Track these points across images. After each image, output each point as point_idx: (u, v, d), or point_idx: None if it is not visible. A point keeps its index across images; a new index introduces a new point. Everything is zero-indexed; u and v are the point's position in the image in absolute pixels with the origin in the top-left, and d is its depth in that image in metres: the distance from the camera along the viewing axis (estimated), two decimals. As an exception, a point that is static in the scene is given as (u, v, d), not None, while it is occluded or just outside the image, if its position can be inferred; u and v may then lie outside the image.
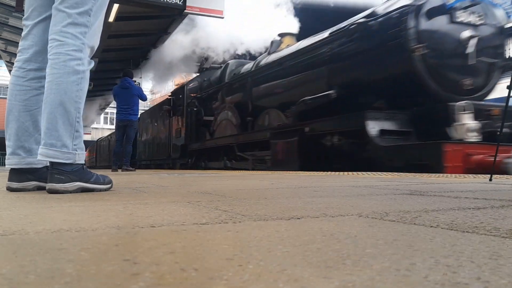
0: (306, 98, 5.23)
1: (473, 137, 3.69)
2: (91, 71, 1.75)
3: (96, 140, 25.68)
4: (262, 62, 7.04)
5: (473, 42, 4.01)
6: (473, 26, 4.15)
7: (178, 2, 7.84)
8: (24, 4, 1.81)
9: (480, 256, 0.50)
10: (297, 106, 5.43)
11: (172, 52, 11.78)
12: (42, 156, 1.57)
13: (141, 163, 13.56)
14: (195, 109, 9.08)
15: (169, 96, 10.60)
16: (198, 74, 10.76)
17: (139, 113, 8.00)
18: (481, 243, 0.59)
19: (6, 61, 13.22)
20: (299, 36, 7.03)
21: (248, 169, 6.36)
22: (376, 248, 0.55)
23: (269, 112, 6.45)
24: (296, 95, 5.61)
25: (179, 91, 10.01)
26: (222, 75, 8.66)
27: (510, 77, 2.17)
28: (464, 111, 3.77)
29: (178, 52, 11.55)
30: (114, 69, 13.72)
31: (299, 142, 4.95)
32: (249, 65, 7.72)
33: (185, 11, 8.07)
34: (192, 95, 9.33)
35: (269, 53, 7.12)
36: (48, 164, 1.61)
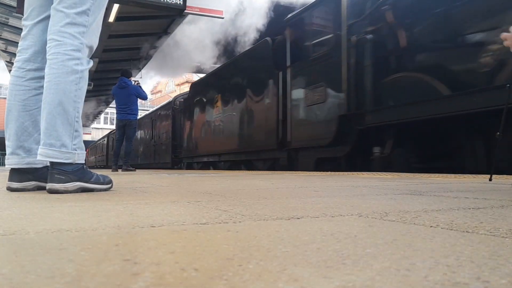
0: None
1: None
2: (91, 71, 1.75)
3: (102, 137, 25.03)
4: None
5: None
6: None
7: (178, 2, 7.84)
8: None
9: (479, 256, 0.50)
10: None
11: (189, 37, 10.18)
12: (41, 156, 1.57)
13: (192, 162, 9.62)
14: (367, 44, 4.32)
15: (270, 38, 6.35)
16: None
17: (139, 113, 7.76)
18: (481, 243, 0.59)
19: (6, 61, 13.21)
20: None
21: None
22: (376, 248, 0.55)
23: None
24: None
25: (315, 9, 5.33)
26: None
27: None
28: None
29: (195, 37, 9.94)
30: (114, 69, 13.72)
31: None
32: None
33: (185, 11, 8.07)
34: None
35: None
36: (48, 164, 1.61)
